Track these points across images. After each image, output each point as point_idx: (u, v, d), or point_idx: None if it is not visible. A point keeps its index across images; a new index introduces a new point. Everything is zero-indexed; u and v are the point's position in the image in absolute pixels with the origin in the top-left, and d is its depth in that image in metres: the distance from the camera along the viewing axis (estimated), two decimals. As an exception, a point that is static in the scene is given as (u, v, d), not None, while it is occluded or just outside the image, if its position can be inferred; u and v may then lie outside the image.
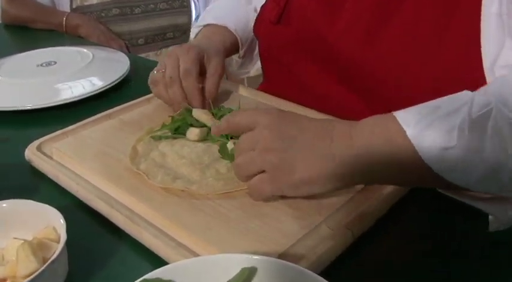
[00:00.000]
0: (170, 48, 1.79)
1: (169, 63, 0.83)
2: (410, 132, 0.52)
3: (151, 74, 0.87)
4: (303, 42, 0.86)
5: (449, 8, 0.68)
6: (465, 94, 0.54)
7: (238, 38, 1.03)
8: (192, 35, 1.09)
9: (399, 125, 0.52)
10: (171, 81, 0.82)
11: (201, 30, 1.04)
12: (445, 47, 0.68)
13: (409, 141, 0.51)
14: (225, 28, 1.02)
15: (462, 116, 0.51)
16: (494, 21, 0.64)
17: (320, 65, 0.84)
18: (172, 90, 0.82)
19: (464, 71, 0.67)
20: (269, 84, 1.01)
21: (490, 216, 0.58)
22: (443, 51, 0.68)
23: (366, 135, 0.54)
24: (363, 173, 0.55)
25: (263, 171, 0.57)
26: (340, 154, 0.54)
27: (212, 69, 0.86)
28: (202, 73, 0.85)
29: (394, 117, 0.54)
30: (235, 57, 1.09)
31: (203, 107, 0.82)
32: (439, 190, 0.63)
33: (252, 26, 1.01)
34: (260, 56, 1.02)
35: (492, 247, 0.57)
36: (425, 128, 0.51)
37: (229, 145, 0.70)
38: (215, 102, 0.83)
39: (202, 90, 0.83)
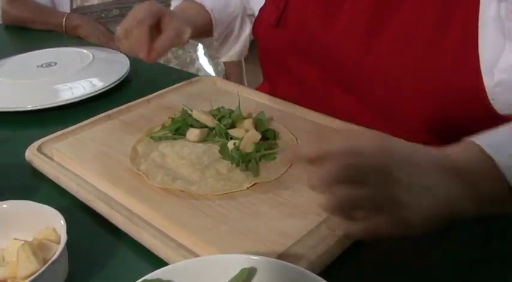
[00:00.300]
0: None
1: (128, 16, 0.86)
2: (502, 165, 0.50)
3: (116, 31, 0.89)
4: (301, 45, 0.86)
5: (448, 10, 0.68)
6: None
7: (213, 19, 1.03)
8: (171, 8, 1.09)
9: (492, 158, 0.50)
10: (126, 32, 0.84)
11: (180, 4, 1.05)
12: (444, 48, 0.68)
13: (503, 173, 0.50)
14: (201, 6, 1.03)
15: None
16: (492, 25, 0.64)
17: (319, 67, 0.84)
18: (127, 42, 0.84)
19: (462, 72, 0.67)
20: (269, 84, 1.00)
21: None
22: (442, 53, 0.68)
23: (471, 173, 0.51)
24: (470, 210, 0.52)
25: (369, 209, 0.50)
26: (453, 193, 0.50)
27: (167, 30, 0.86)
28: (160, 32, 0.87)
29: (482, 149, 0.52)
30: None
31: (148, 60, 0.85)
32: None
33: (232, 11, 1.03)
34: (259, 58, 1.01)
35: (492, 247, 0.57)
36: None
37: (230, 145, 0.70)
38: (215, 103, 0.83)
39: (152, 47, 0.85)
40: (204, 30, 1.04)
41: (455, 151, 0.52)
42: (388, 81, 0.74)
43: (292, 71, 0.91)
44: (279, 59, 0.93)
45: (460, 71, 0.67)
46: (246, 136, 0.71)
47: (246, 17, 1.09)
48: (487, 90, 0.65)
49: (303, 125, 0.79)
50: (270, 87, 0.97)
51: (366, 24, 0.76)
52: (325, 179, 0.48)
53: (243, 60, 1.94)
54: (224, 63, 1.89)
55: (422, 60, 0.70)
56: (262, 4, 0.95)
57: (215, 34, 1.06)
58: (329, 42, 0.81)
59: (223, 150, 0.70)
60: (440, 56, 0.68)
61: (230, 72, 1.90)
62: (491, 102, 0.66)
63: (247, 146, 0.69)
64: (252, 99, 0.89)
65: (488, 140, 0.52)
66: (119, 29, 0.87)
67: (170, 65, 1.75)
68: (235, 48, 1.13)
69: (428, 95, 0.70)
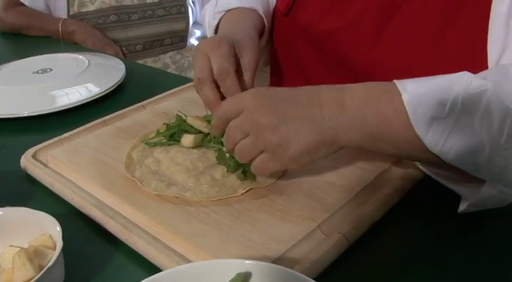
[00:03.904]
0: (167, 53, 1.80)
1: (197, 63, 0.73)
2: (406, 97, 0.53)
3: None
4: (311, 35, 0.86)
5: (457, 4, 0.68)
6: (464, 73, 0.55)
7: (266, 25, 0.93)
8: (212, 21, 0.96)
9: (396, 89, 0.54)
10: (200, 82, 0.72)
11: (224, 15, 0.93)
12: (451, 42, 0.68)
13: (403, 106, 0.53)
14: (254, 11, 0.91)
15: (457, 90, 0.52)
16: (502, 22, 0.64)
17: (327, 58, 0.84)
18: (202, 93, 0.72)
19: (468, 68, 0.67)
20: (273, 77, 1.00)
21: (462, 198, 0.60)
22: (449, 47, 0.68)
23: (359, 101, 0.55)
24: (357, 137, 0.56)
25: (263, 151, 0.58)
26: (333, 119, 0.54)
27: (246, 63, 0.75)
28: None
29: (392, 83, 0.55)
30: None
31: None
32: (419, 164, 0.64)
33: (271, 10, 0.95)
34: (271, 47, 1.00)
35: (488, 254, 0.57)
36: (421, 96, 0.53)
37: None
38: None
39: None
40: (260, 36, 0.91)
41: (357, 84, 0.57)
42: (395, 73, 0.74)
43: (301, 63, 0.90)
44: (287, 49, 0.92)
45: (467, 66, 0.67)
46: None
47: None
48: None
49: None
50: (275, 80, 0.96)
51: (376, 15, 0.76)
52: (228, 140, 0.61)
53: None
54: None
55: (429, 53, 0.70)
56: None
57: (262, 41, 0.94)
58: (336, 35, 0.80)
59: (220, 158, 0.70)
60: (447, 50, 0.68)
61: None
62: None
63: None
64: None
65: (401, 80, 0.56)
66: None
67: (168, 70, 1.76)
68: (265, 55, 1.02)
69: None
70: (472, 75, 0.54)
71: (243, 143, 0.59)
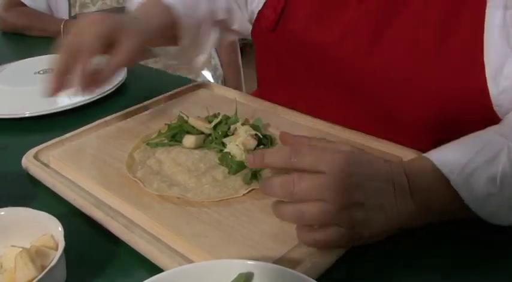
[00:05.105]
0: None
1: (67, 38, 0.73)
2: (454, 181, 0.54)
3: None
4: (300, 49, 0.86)
5: (453, 15, 0.68)
6: (498, 137, 0.57)
7: (183, 25, 0.88)
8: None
9: (444, 174, 0.54)
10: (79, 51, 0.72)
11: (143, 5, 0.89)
12: (448, 53, 0.68)
13: (454, 189, 0.54)
14: (166, 8, 0.86)
15: (503, 162, 0.54)
16: (497, 33, 0.65)
17: (319, 71, 0.84)
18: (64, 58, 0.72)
19: (466, 78, 0.67)
20: (265, 90, 1.00)
21: None
22: (446, 57, 0.68)
23: (422, 193, 0.55)
24: (418, 224, 0.57)
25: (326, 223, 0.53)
26: (404, 211, 0.55)
27: (119, 51, 0.72)
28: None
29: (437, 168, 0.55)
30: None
31: (86, 94, 0.74)
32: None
33: (203, 10, 0.92)
34: (256, 63, 1.00)
35: (489, 262, 0.57)
36: (469, 177, 0.54)
37: (233, 148, 0.69)
38: (212, 110, 0.83)
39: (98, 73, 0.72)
40: (167, 37, 0.89)
41: (412, 168, 0.56)
42: (391, 83, 0.74)
43: (291, 76, 0.90)
44: (276, 63, 0.92)
45: (463, 77, 0.67)
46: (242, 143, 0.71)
47: (213, 25, 0.96)
48: (491, 97, 0.66)
49: (299, 131, 0.79)
50: (265, 93, 0.96)
51: (370, 26, 0.75)
52: (291, 196, 0.53)
53: (241, 65, 1.94)
54: (222, 68, 1.90)
55: (426, 63, 0.70)
56: (260, 7, 0.92)
57: (184, 42, 0.91)
58: (330, 45, 0.80)
59: (223, 159, 0.70)
60: (444, 60, 0.68)
61: (228, 78, 1.91)
62: (495, 109, 0.66)
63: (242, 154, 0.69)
64: (249, 105, 0.89)
65: (443, 159, 0.56)
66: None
67: (169, 71, 1.75)
68: (199, 58, 0.99)
69: (430, 99, 0.71)
70: (507, 140, 0.56)
71: (313, 206, 0.52)
